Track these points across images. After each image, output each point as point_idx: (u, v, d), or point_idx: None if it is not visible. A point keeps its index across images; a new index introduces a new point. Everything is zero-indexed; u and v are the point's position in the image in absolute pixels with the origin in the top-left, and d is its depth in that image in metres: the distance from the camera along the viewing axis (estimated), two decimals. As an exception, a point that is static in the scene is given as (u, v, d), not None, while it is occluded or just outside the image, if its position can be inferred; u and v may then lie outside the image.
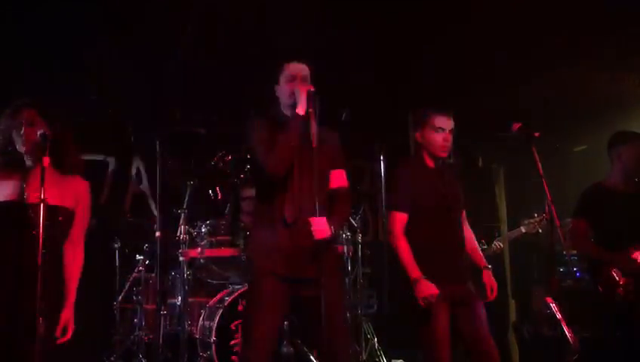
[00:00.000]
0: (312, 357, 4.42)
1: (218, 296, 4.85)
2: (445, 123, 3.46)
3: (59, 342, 2.88)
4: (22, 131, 2.93)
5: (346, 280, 5.22)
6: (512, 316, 7.04)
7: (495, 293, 3.56)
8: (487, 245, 5.21)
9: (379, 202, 6.10)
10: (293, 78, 3.16)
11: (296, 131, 3.01)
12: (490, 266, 3.65)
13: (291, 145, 3.00)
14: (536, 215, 5.20)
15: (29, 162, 2.98)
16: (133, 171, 6.25)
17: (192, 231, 4.94)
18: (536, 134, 3.40)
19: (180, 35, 5.05)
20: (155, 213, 4.85)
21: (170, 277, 5.15)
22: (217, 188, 5.22)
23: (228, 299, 4.60)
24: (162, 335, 4.72)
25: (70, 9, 4.64)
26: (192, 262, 4.86)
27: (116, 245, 5.40)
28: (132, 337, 5.14)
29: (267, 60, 3.30)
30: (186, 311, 4.76)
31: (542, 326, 5.57)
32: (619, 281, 3.86)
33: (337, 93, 4.67)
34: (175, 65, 5.38)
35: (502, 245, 5.40)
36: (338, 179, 3.21)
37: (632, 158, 4.05)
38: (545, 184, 3.33)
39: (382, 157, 5.52)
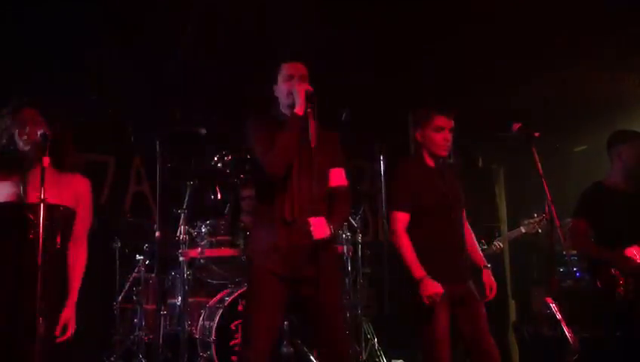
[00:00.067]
0: (312, 357, 4.42)
1: (218, 296, 4.85)
2: (445, 122, 3.47)
3: (58, 340, 2.88)
4: (23, 130, 2.94)
5: (346, 280, 5.22)
6: (512, 316, 7.04)
7: (494, 293, 3.57)
8: (487, 245, 5.21)
9: (379, 202, 6.10)
10: (290, 78, 3.16)
11: (296, 131, 3.01)
12: (489, 266, 3.66)
13: (290, 145, 3.00)
14: (536, 215, 5.20)
15: (29, 162, 2.98)
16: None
17: (192, 231, 4.94)
18: (536, 134, 3.41)
19: (180, 35, 5.05)
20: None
21: (170, 277, 5.15)
22: (217, 188, 5.22)
23: (228, 299, 4.60)
24: (162, 335, 4.72)
25: (70, 9, 4.64)
26: (192, 262, 4.86)
27: (116, 245, 5.40)
28: (132, 337, 5.13)
29: (267, 60, 3.30)
30: (186, 311, 4.76)
31: (542, 326, 5.57)
32: (619, 281, 3.86)
33: (337, 93, 4.68)
34: (175, 65, 5.38)
35: (502, 245, 5.40)
36: (337, 177, 3.21)
37: (632, 157, 4.05)
38: (545, 184, 3.33)
39: (382, 157, 5.52)
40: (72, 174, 3.08)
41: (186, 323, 4.67)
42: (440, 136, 3.47)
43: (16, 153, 2.96)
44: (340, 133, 3.34)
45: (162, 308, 4.90)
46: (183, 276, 4.72)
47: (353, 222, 5.43)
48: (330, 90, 3.20)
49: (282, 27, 4.87)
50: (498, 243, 5.33)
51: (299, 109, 3.03)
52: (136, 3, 4.79)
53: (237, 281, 4.92)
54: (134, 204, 6.22)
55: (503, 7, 4.76)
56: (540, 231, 5.19)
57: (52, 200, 2.86)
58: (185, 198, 4.96)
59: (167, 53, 5.28)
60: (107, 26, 5.00)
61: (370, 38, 5.23)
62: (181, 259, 4.74)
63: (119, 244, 5.41)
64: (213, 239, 4.89)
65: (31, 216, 2.86)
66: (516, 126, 3.47)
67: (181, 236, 4.77)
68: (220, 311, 4.54)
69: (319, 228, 2.95)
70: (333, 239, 3.12)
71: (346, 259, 5.24)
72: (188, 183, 5.02)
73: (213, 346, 4.42)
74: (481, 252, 3.74)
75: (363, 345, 5.22)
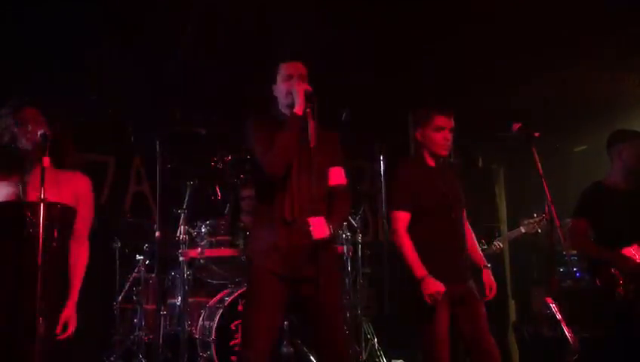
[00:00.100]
0: (312, 357, 4.42)
1: (218, 296, 4.85)
2: (446, 122, 3.48)
3: (59, 338, 2.88)
4: (25, 129, 2.94)
5: (346, 280, 5.22)
6: (512, 316, 7.04)
7: (494, 293, 3.57)
8: (487, 245, 5.22)
9: (379, 202, 6.10)
10: (289, 78, 3.16)
11: (295, 131, 3.01)
12: (489, 265, 3.66)
13: (289, 145, 3.00)
14: (535, 215, 5.20)
15: (29, 161, 2.98)
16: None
17: (192, 231, 4.94)
18: (536, 134, 3.41)
19: (180, 35, 5.05)
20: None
21: (170, 277, 5.15)
22: (217, 188, 5.22)
23: (228, 299, 4.61)
24: (162, 335, 4.72)
25: (70, 9, 4.63)
26: (192, 262, 4.86)
27: (116, 245, 5.40)
28: (132, 337, 5.14)
29: (267, 60, 3.30)
30: (186, 311, 4.76)
31: (542, 326, 5.57)
32: (619, 280, 3.86)
33: (337, 93, 4.68)
34: (175, 65, 5.38)
35: (502, 245, 5.41)
36: (336, 176, 3.21)
37: (631, 157, 4.05)
38: (545, 184, 3.33)
39: (382, 158, 5.53)
40: (72, 172, 3.08)
41: (186, 323, 4.67)
42: (440, 135, 3.47)
43: (18, 152, 2.96)
44: (340, 133, 3.34)
45: (162, 308, 4.90)
46: (183, 276, 4.72)
47: (353, 222, 5.43)
48: (330, 90, 3.20)
49: (282, 27, 4.87)
50: (498, 243, 5.33)
51: (298, 109, 3.03)
52: (136, 3, 4.78)
53: (237, 281, 4.92)
54: (134, 204, 6.22)
55: (503, 7, 4.75)
56: (539, 231, 5.19)
57: (50, 198, 2.86)
58: (185, 198, 4.97)
59: (167, 53, 5.28)
60: (107, 26, 5.00)
61: (370, 38, 5.23)
62: (181, 259, 4.74)
63: (119, 244, 5.41)
64: (213, 239, 4.90)
65: (30, 215, 2.85)
66: (516, 126, 3.47)
67: (181, 236, 4.77)
68: (220, 311, 4.54)
69: (319, 228, 2.94)
70: (333, 239, 3.12)
71: (346, 259, 5.24)
72: (188, 183, 5.02)
73: (213, 346, 4.42)
74: (481, 252, 3.74)
75: (363, 345, 5.22)
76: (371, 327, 5.36)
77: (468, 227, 3.69)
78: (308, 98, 3.03)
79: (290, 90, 3.09)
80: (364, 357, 5.18)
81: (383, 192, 5.58)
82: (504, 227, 7.11)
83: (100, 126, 5.69)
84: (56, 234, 2.95)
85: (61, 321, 2.90)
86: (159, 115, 5.48)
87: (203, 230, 4.92)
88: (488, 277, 3.59)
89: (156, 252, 4.68)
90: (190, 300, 4.93)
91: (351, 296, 5.28)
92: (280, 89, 3.20)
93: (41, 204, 2.74)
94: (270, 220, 3.07)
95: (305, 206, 3.01)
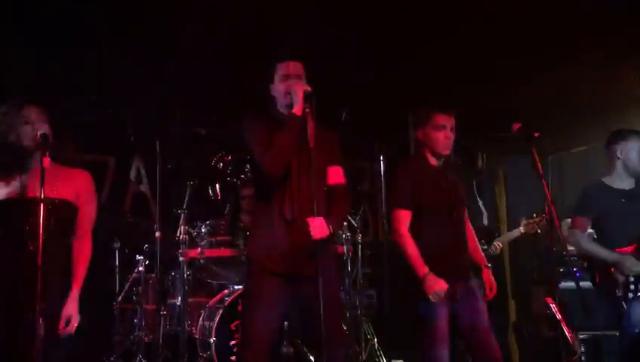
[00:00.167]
0: (311, 357, 4.42)
1: (218, 296, 4.85)
2: (447, 121, 3.49)
3: (61, 332, 2.88)
4: (28, 128, 2.95)
5: (346, 280, 5.22)
6: (512, 316, 7.04)
7: (494, 292, 3.58)
8: (487, 245, 5.22)
9: (379, 202, 6.12)
10: (287, 77, 3.17)
11: (294, 131, 3.01)
12: (490, 265, 3.66)
13: (288, 145, 3.00)
14: (535, 215, 5.21)
15: (29, 160, 2.99)
16: (133, 173, 6.25)
17: (192, 231, 4.94)
18: (536, 134, 3.41)
19: (180, 35, 5.05)
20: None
21: (170, 277, 5.15)
22: (217, 188, 5.22)
23: (228, 299, 4.61)
24: (162, 335, 4.72)
25: (70, 9, 4.63)
26: (192, 262, 4.86)
27: (116, 245, 5.40)
28: (132, 337, 5.14)
29: (267, 60, 3.30)
30: (186, 311, 4.76)
31: (542, 326, 5.57)
32: (619, 280, 3.86)
33: (337, 93, 4.68)
34: (175, 65, 5.38)
35: (501, 245, 5.41)
36: (335, 175, 3.22)
37: (631, 156, 4.05)
38: (545, 184, 3.33)
39: (382, 158, 5.53)
40: (72, 169, 3.09)
41: (186, 323, 4.67)
42: (442, 134, 3.48)
43: (21, 150, 2.97)
44: (340, 133, 3.34)
45: (162, 308, 4.91)
46: (183, 276, 4.73)
47: (353, 222, 5.43)
48: (330, 90, 3.19)
49: (282, 27, 4.87)
50: (498, 244, 5.34)
51: (297, 109, 3.03)
52: (136, 3, 4.78)
53: (237, 281, 4.92)
54: (134, 204, 6.22)
55: (503, 7, 4.75)
56: (539, 231, 5.20)
57: (49, 195, 2.86)
58: (185, 198, 4.97)
59: (167, 53, 5.28)
60: (107, 26, 4.99)
61: (370, 38, 5.22)
62: (181, 259, 4.74)
63: (119, 244, 5.41)
64: (213, 239, 4.90)
65: (30, 213, 2.86)
66: (516, 126, 3.47)
67: (181, 236, 4.77)
68: (220, 311, 4.54)
69: (318, 227, 2.95)
70: (333, 238, 3.12)
71: (346, 259, 5.24)
72: (188, 183, 5.02)
73: (213, 346, 4.42)
74: (482, 252, 3.74)
75: (363, 345, 5.23)
76: (371, 327, 5.37)
77: (469, 227, 3.69)
78: (307, 98, 3.03)
79: (289, 90, 3.09)
80: (364, 357, 5.18)
81: (383, 192, 5.59)
82: (504, 227, 7.11)
83: (100, 126, 5.69)
84: (56, 231, 2.96)
85: (63, 316, 2.90)
86: (159, 114, 5.48)
87: (203, 230, 4.92)
88: (489, 277, 3.60)
89: (156, 252, 4.68)
90: (190, 300, 4.93)
91: (351, 296, 5.29)
92: (278, 89, 3.20)
93: (41, 204, 2.74)
94: (270, 220, 3.08)
95: (304, 206, 3.01)
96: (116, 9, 4.77)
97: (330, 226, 3.01)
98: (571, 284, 4.79)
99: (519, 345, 6.18)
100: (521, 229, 5.30)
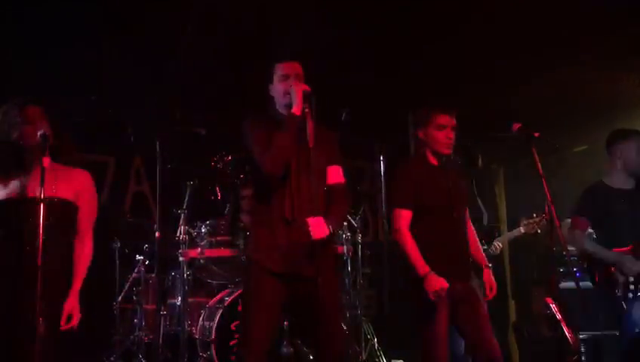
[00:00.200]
0: (311, 357, 4.42)
1: (218, 296, 4.85)
2: (447, 120, 3.49)
3: (63, 328, 2.88)
4: (30, 127, 2.95)
5: (346, 280, 5.22)
6: (512, 316, 7.05)
7: (494, 292, 3.57)
8: (487, 245, 5.22)
9: (379, 202, 6.11)
10: (286, 78, 3.17)
11: (293, 131, 3.01)
12: (490, 265, 3.66)
13: (287, 145, 3.00)
14: (535, 215, 5.20)
15: (29, 160, 2.99)
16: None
17: (192, 231, 4.94)
18: (536, 134, 3.41)
19: (180, 35, 5.05)
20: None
21: (170, 277, 5.15)
22: (217, 188, 5.22)
23: (228, 299, 4.61)
24: (162, 335, 4.72)
25: (70, 9, 4.63)
26: (192, 262, 4.86)
27: (116, 245, 5.40)
28: (132, 337, 5.13)
29: (267, 60, 3.30)
30: (186, 311, 4.76)
31: (542, 326, 5.57)
32: (618, 280, 3.86)
33: (337, 93, 4.68)
34: (175, 65, 5.38)
35: (501, 245, 5.41)
36: (335, 175, 3.22)
37: (632, 156, 4.05)
38: (545, 184, 3.33)
39: (382, 158, 5.53)
40: (72, 168, 3.09)
41: (186, 323, 4.67)
42: (442, 133, 3.48)
43: (21, 150, 2.97)
44: (339, 133, 3.34)
45: (162, 308, 4.90)
46: (183, 276, 4.73)
47: (353, 222, 5.43)
48: (330, 90, 3.19)
49: (282, 27, 4.87)
50: (498, 244, 5.34)
51: (296, 109, 3.03)
52: (136, 3, 4.78)
53: (237, 281, 4.92)
54: (134, 204, 6.22)
55: (503, 7, 4.75)
56: (539, 231, 5.19)
57: (49, 194, 2.87)
58: (185, 198, 4.97)
59: (167, 53, 5.28)
60: (107, 26, 4.99)
61: (370, 38, 5.23)
62: (181, 259, 4.74)
63: (119, 244, 5.41)
64: (213, 239, 4.89)
65: (30, 213, 2.86)
66: (516, 126, 3.47)
67: (181, 236, 4.77)
68: (220, 311, 4.54)
69: (318, 227, 2.94)
70: (332, 238, 3.12)
71: (346, 259, 5.24)
72: (188, 183, 5.02)
73: (213, 346, 4.42)
74: (482, 252, 3.74)
75: (363, 345, 5.23)
76: (371, 327, 5.36)
77: (471, 226, 3.69)
78: (306, 98, 3.03)
79: (288, 90, 3.09)
80: (364, 357, 5.18)
81: (383, 192, 5.58)
82: (504, 227, 7.11)
83: (100, 126, 5.69)
84: (56, 231, 2.96)
85: (65, 312, 2.90)
86: (159, 114, 5.48)
87: (203, 230, 4.91)
88: (489, 277, 3.59)
89: (156, 252, 4.68)
90: (190, 300, 4.93)
91: (351, 296, 5.28)
92: (277, 89, 3.20)
93: (41, 204, 2.74)
94: (269, 219, 3.08)
95: (304, 205, 3.01)
96: (116, 9, 4.78)
97: (330, 226, 3.01)
98: (571, 284, 4.80)
99: (519, 345, 6.17)
100: (521, 229, 5.30)
